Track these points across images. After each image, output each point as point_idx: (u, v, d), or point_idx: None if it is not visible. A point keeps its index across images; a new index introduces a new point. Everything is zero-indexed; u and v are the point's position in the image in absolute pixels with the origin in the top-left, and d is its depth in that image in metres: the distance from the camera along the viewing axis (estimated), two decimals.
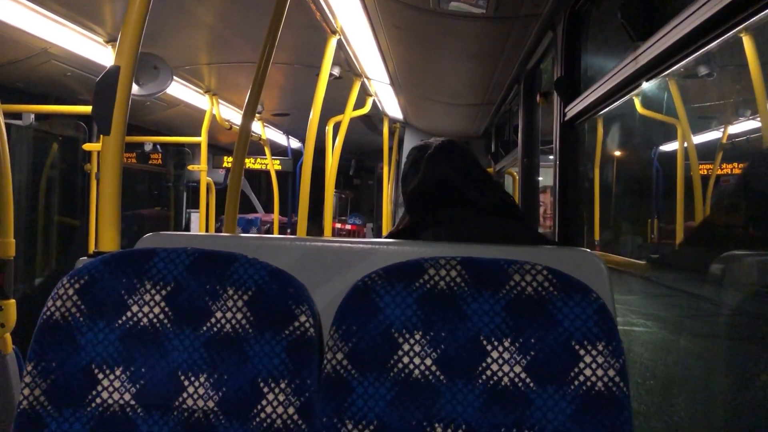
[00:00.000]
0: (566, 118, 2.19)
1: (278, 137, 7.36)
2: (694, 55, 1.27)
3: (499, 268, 1.04)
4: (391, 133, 6.41)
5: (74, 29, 3.17)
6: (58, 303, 1.07)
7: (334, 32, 3.15)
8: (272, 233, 7.16)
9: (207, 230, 5.40)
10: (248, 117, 2.31)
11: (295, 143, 7.60)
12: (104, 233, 1.42)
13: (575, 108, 2.08)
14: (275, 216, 6.91)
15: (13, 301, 2.41)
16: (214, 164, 7.26)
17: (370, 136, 6.93)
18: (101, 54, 3.48)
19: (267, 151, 6.51)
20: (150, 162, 6.30)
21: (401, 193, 1.79)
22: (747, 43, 2.64)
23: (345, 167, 9.41)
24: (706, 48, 1.23)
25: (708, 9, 1.11)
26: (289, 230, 8.09)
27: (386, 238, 1.73)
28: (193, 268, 1.09)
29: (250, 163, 7.34)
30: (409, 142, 6.55)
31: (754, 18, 1.07)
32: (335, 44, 3.20)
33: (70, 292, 1.08)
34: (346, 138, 4.43)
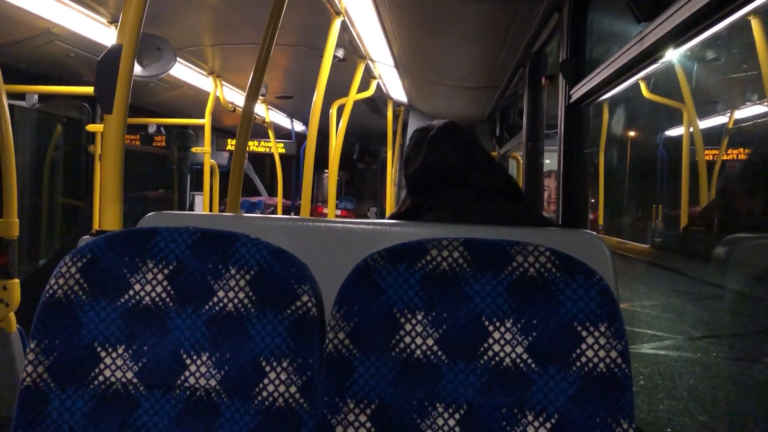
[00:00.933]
0: (571, 101, 2.18)
1: (282, 120, 7.34)
2: (699, 37, 1.26)
3: (501, 249, 1.04)
4: (395, 117, 6.38)
5: (77, 9, 3.16)
6: (61, 281, 1.07)
7: (338, 13, 3.13)
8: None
9: (211, 212, 5.40)
10: (251, 99, 2.30)
11: (299, 126, 7.58)
12: (106, 212, 1.42)
13: (580, 90, 2.06)
14: (279, 199, 6.92)
15: (17, 280, 2.42)
16: (218, 147, 7.25)
17: (375, 120, 6.91)
18: (105, 34, 3.47)
19: (271, 134, 6.50)
20: (154, 144, 6.30)
21: (403, 175, 1.78)
22: (755, 26, 2.61)
23: (349, 151, 9.40)
24: (711, 29, 1.21)
25: None
26: (293, 213, 8.09)
27: (389, 218, 1.74)
28: (196, 247, 1.09)
29: (254, 146, 7.34)
30: (413, 126, 6.53)
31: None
32: (339, 26, 3.18)
33: (73, 270, 1.08)
34: (350, 121, 4.41)
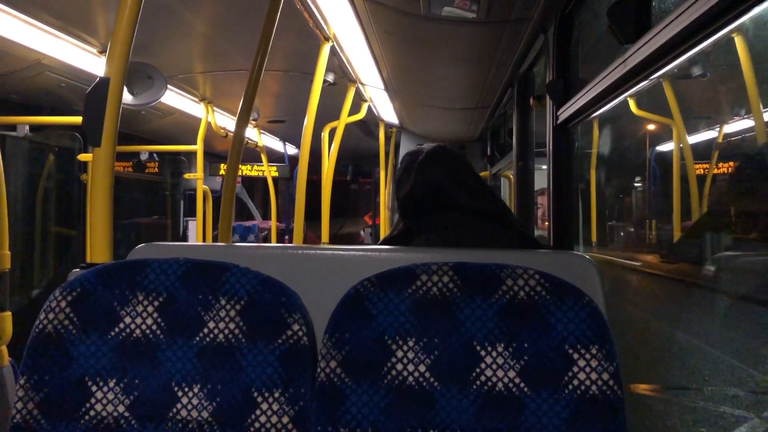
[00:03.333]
0: (559, 121, 2.20)
1: (275, 144, 7.36)
2: (682, 57, 1.27)
3: (491, 272, 1.04)
4: (387, 138, 6.41)
5: (67, 40, 3.17)
6: (51, 316, 1.07)
7: (327, 39, 3.16)
8: (270, 240, 7.15)
9: (204, 238, 5.39)
10: (242, 124, 2.32)
11: (291, 150, 7.60)
12: (96, 244, 1.42)
13: (567, 111, 2.08)
14: (273, 222, 6.91)
15: (8, 313, 2.40)
16: (211, 172, 7.26)
17: (367, 142, 6.93)
18: (95, 64, 3.48)
19: (263, 158, 6.52)
20: (146, 171, 6.30)
21: (395, 198, 1.79)
22: (739, 43, 2.64)
23: (342, 173, 9.43)
24: (694, 50, 1.23)
25: (695, 11, 1.11)
26: (287, 236, 8.09)
27: (381, 243, 1.74)
28: (185, 279, 1.09)
29: (246, 170, 7.35)
30: (405, 147, 6.56)
31: (742, 18, 1.08)
32: (328, 50, 3.21)
33: (63, 304, 1.07)
34: (343, 144, 4.43)
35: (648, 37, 1.31)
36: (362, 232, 10.06)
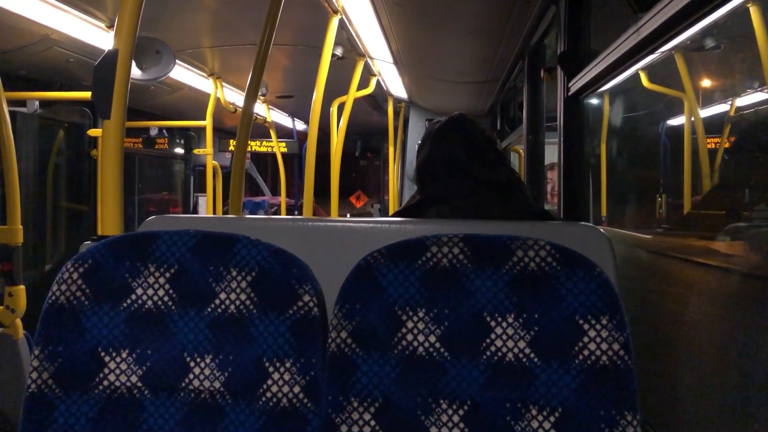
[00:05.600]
0: (570, 93, 2.18)
1: (284, 119, 7.34)
2: (696, 26, 1.25)
3: (501, 244, 1.04)
4: (396, 113, 6.38)
5: (75, 15, 3.16)
6: (63, 287, 1.08)
7: (335, 12, 3.13)
8: (280, 215, 7.18)
9: (215, 213, 5.41)
10: (250, 99, 2.31)
11: (300, 125, 7.58)
12: (107, 217, 1.42)
13: (579, 82, 2.06)
14: (282, 198, 6.93)
15: (22, 286, 2.43)
16: (220, 148, 7.26)
17: (376, 117, 6.90)
18: (103, 39, 3.47)
19: (272, 133, 6.51)
20: (156, 147, 6.31)
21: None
22: (754, 13, 2.59)
23: (351, 148, 9.41)
24: (708, 18, 1.21)
25: None
26: (296, 212, 8.11)
27: (394, 215, 1.75)
28: (196, 250, 1.09)
29: (256, 146, 7.34)
30: (414, 122, 6.53)
31: None
32: (337, 24, 3.18)
33: (75, 276, 1.08)
34: (351, 119, 4.41)
35: (662, 4, 1.29)
36: (371, 208, 10.07)
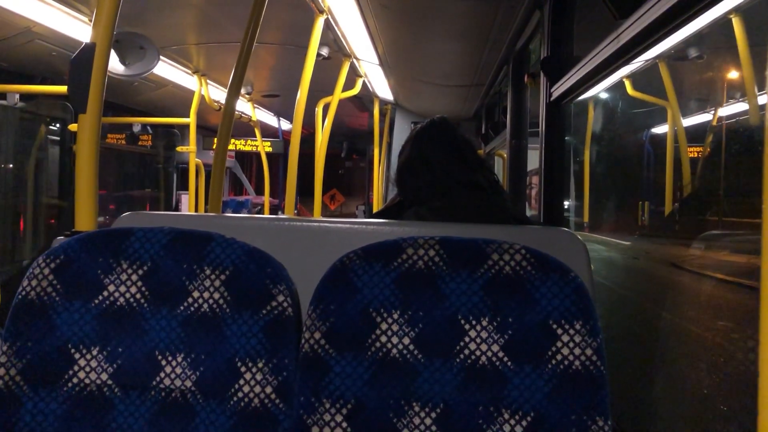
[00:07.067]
0: (552, 98, 2.19)
1: (269, 119, 7.32)
2: (675, 34, 1.26)
3: (477, 247, 1.04)
4: (382, 115, 6.38)
5: (57, 7, 3.13)
6: (34, 282, 1.06)
7: (321, 11, 3.12)
8: (263, 215, 7.15)
9: (196, 211, 5.38)
10: (233, 95, 2.29)
11: (286, 125, 7.56)
12: (81, 213, 1.40)
13: (561, 87, 2.07)
14: (266, 197, 6.90)
15: None
16: (204, 146, 7.22)
17: (362, 119, 6.90)
18: (86, 33, 3.44)
19: (257, 132, 6.48)
20: (139, 143, 6.26)
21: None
22: (736, 24, 2.62)
23: (337, 149, 9.40)
24: (687, 27, 1.22)
25: None
26: (280, 212, 8.08)
27: (374, 216, 1.74)
28: (170, 248, 1.08)
29: (240, 144, 7.31)
30: (400, 124, 6.53)
31: None
32: (323, 24, 3.17)
33: (46, 271, 1.06)
34: (338, 121, 4.41)
35: (641, 11, 1.30)
36: (356, 210, 10.06)
